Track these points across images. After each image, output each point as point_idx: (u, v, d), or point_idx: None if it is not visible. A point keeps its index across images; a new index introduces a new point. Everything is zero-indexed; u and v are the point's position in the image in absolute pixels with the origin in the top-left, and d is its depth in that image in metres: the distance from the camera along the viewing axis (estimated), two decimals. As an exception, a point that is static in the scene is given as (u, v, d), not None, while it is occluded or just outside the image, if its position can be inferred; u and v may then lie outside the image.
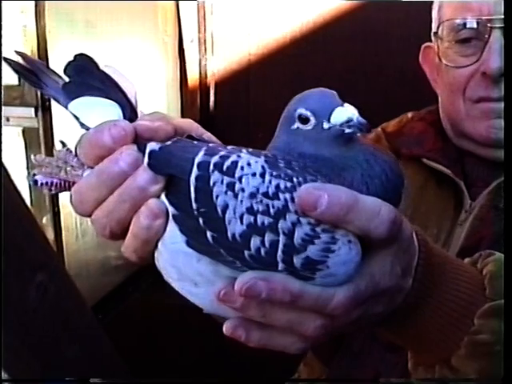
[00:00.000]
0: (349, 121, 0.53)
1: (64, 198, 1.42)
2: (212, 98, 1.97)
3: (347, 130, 0.53)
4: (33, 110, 1.36)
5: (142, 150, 0.51)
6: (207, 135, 0.58)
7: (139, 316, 1.72)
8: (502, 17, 0.86)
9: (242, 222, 0.48)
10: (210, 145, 0.53)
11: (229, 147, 0.53)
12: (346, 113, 0.54)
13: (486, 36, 0.88)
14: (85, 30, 1.49)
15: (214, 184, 0.49)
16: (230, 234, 0.48)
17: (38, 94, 1.35)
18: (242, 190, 0.49)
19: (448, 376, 0.60)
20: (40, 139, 1.38)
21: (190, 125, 0.57)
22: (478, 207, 0.91)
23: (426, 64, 1.05)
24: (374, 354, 0.91)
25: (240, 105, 1.94)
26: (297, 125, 0.55)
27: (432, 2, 1.00)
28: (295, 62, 1.83)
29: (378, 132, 1.05)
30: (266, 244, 0.48)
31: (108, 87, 0.56)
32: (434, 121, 1.04)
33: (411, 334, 0.60)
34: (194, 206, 0.49)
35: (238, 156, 0.50)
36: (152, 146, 0.51)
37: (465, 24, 0.91)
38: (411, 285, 0.56)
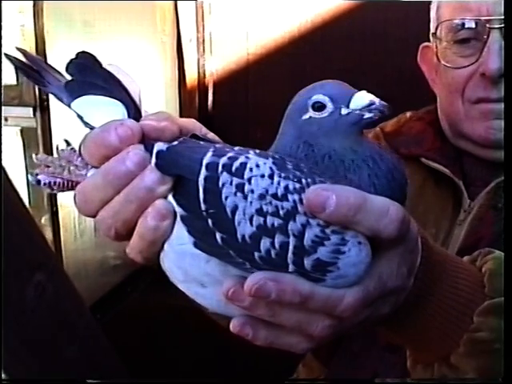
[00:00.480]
0: (371, 104, 0.53)
1: (62, 198, 1.42)
2: (210, 98, 1.97)
3: (367, 115, 0.53)
4: (31, 109, 1.36)
5: (148, 149, 0.51)
6: (210, 135, 0.58)
7: (138, 316, 1.71)
8: (501, 17, 0.86)
9: (251, 224, 0.48)
10: (217, 145, 0.53)
11: (236, 148, 0.52)
12: (368, 96, 0.54)
13: (485, 36, 0.88)
14: (83, 29, 1.49)
15: (223, 185, 0.49)
16: (239, 236, 0.48)
17: (37, 93, 1.35)
18: (252, 191, 0.48)
19: (447, 374, 0.61)
20: (38, 139, 1.37)
21: (194, 125, 0.57)
22: (477, 207, 0.91)
23: (424, 64, 1.04)
24: (372, 354, 0.91)
25: (238, 104, 1.94)
26: (309, 114, 0.54)
27: (430, 2, 1.00)
28: (294, 61, 1.83)
29: (376, 132, 1.05)
30: (276, 245, 0.48)
31: (112, 86, 0.55)
32: (433, 120, 1.04)
33: (411, 332, 0.61)
34: (203, 206, 0.49)
35: (247, 157, 0.50)
36: (159, 146, 0.51)
37: (463, 24, 0.91)
38: (412, 283, 0.56)
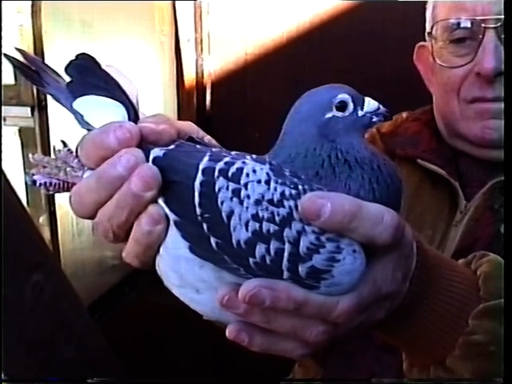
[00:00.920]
0: (378, 108, 0.55)
1: (60, 198, 1.42)
2: (208, 98, 1.97)
3: (375, 119, 0.55)
4: (29, 109, 1.36)
5: (146, 153, 0.51)
6: (207, 138, 0.58)
7: (136, 316, 1.72)
8: (496, 17, 0.87)
9: (247, 229, 0.48)
10: (214, 150, 0.52)
11: (232, 153, 0.52)
12: (373, 101, 0.55)
13: (480, 36, 0.88)
14: (81, 29, 1.49)
15: (219, 190, 0.49)
16: (234, 241, 0.48)
17: (35, 93, 1.35)
18: (248, 196, 0.48)
19: (442, 377, 0.61)
20: (36, 139, 1.38)
21: (191, 127, 0.57)
22: (473, 208, 0.91)
23: (420, 63, 1.04)
24: (368, 355, 0.91)
25: (237, 104, 1.94)
26: (333, 113, 0.54)
27: (426, 2, 1.00)
28: (292, 61, 1.83)
29: (372, 132, 1.05)
30: (272, 252, 0.48)
31: (112, 87, 0.55)
32: (429, 121, 1.03)
33: (406, 336, 0.61)
34: (198, 211, 0.49)
35: (243, 162, 0.50)
36: (156, 152, 0.51)
37: (459, 24, 0.91)
38: (407, 287, 0.56)
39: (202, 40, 1.91)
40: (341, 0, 1.76)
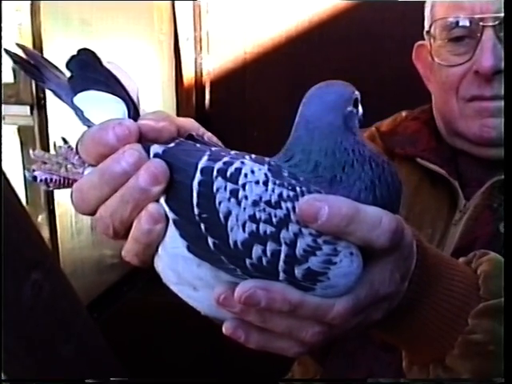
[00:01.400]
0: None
1: (59, 196, 1.42)
2: (207, 97, 1.97)
3: (360, 119, 0.56)
4: (28, 108, 1.36)
5: (146, 149, 0.51)
6: (208, 135, 0.57)
7: (135, 315, 1.72)
8: (494, 15, 0.87)
9: (244, 230, 0.48)
10: (214, 149, 0.52)
11: (232, 152, 0.52)
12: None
13: (479, 34, 0.88)
14: (80, 28, 1.49)
15: (217, 190, 0.49)
16: (231, 242, 0.48)
17: (34, 92, 1.35)
18: (245, 197, 0.48)
19: (442, 376, 0.61)
20: (35, 137, 1.38)
21: (192, 124, 0.57)
22: (473, 207, 0.91)
23: (419, 62, 1.04)
24: (368, 354, 0.91)
25: (235, 103, 1.94)
26: (352, 108, 0.54)
27: (425, 1, 1.00)
28: (291, 60, 1.83)
29: (372, 131, 1.05)
30: (268, 253, 0.47)
31: (112, 83, 0.55)
32: (428, 120, 1.04)
33: (405, 334, 0.61)
34: (196, 211, 0.49)
35: (242, 163, 0.50)
36: (155, 148, 0.51)
37: (457, 22, 0.91)
38: (407, 287, 0.56)
39: (201, 39, 1.91)
40: (340, 0, 1.76)
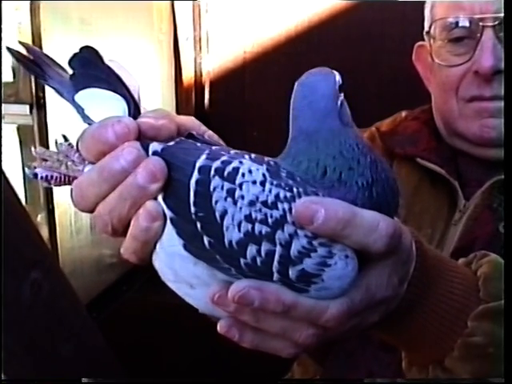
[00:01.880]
0: None
1: (59, 195, 1.42)
2: (207, 97, 1.97)
3: None
4: (27, 107, 1.36)
5: (145, 147, 0.51)
6: (208, 134, 0.57)
7: (134, 314, 1.71)
8: (494, 15, 0.87)
9: (239, 230, 0.48)
10: (213, 148, 0.52)
11: (231, 151, 0.52)
12: None
13: (478, 35, 0.88)
14: (79, 27, 1.49)
15: (214, 189, 0.48)
16: (226, 241, 0.48)
17: (33, 91, 1.34)
18: (242, 197, 0.48)
19: (441, 377, 0.61)
20: (35, 136, 1.37)
21: (193, 123, 0.57)
22: (472, 207, 0.91)
23: (419, 63, 1.05)
24: (367, 354, 0.90)
25: (235, 103, 1.94)
26: (341, 97, 0.54)
27: (425, 2, 1.00)
28: (290, 60, 1.83)
29: (372, 131, 1.05)
30: (262, 254, 0.47)
31: (113, 81, 0.55)
32: (428, 120, 1.04)
33: (405, 336, 0.61)
34: (193, 209, 0.49)
35: (240, 162, 0.50)
36: (154, 146, 0.51)
37: (457, 23, 0.91)
38: (406, 289, 0.56)
39: (200, 38, 1.91)
40: (340, 0, 1.76)
